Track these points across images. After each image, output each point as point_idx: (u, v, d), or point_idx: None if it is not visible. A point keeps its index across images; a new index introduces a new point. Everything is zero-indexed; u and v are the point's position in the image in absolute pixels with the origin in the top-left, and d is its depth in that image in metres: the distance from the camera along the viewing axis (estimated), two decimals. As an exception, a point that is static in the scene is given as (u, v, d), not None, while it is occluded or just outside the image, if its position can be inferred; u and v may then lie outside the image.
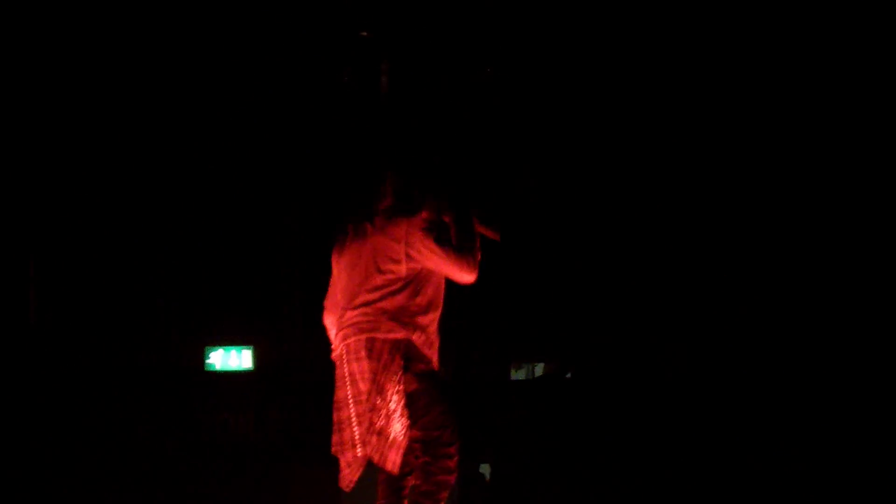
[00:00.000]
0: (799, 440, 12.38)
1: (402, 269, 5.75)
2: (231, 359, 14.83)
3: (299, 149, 14.76)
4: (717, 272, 13.84)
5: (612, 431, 13.09)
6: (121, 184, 14.70)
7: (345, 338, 5.80)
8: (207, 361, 14.77)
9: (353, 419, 5.72)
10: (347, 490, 5.79)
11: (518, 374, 15.22)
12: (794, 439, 12.43)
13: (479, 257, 5.89)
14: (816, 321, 13.26)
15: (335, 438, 5.79)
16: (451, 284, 5.97)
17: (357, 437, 5.71)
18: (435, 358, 5.86)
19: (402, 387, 5.66)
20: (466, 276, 5.82)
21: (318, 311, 6.26)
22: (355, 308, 5.81)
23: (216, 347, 14.77)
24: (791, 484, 12.18)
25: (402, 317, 5.75)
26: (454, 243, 5.78)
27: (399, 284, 5.77)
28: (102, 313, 14.73)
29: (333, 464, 5.87)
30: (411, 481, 5.76)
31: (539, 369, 15.21)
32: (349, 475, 5.75)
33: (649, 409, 13.17)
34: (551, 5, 13.54)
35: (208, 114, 14.62)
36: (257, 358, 14.89)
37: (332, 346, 5.88)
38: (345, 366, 5.79)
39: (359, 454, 5.70)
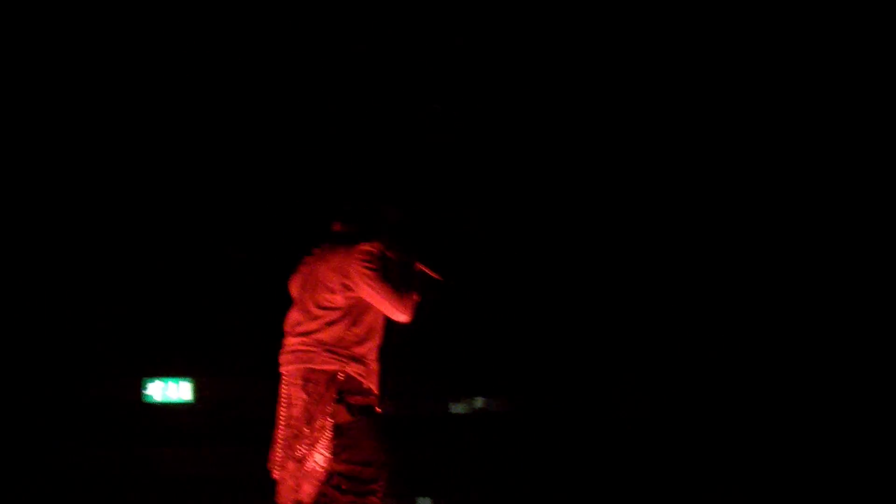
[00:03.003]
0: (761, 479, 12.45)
1: (339, 300, 5.76)
2: (170, 390, 14.74)
3: (242, 179, 14.74)
4: (666, 308, 13.89)
5: (554, 466, 13.11)
6: (57, 215, 14.61)
7: (285, 363, 5.83)
8: (145, 393, 14.67)
9: (280, 441, 5.75)
10: None
11: (458, 408, 15.22)
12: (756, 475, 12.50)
13: (418, 299, 5.85)
14: (779, 357, 13.33)
15: (270, 454, 5.82)
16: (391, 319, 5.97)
17: (279, 458, 5.74)
18: (375, 386, 5.86)
19: (330, 420, 5.67)
20: (401, 316, 5.79)
21: (260, 343, 6.26)
22: (297, 336, 5.84)
23: (154, 379, 14.68)
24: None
25: (338, 348, 5.76)
26: (395, 281, 5.76)
27: (337, 315, 5.77)
28: (40, 343, 14.61)
29: (271, 498, 5.85)
30: None
31: (479, 402, 15.22)
32: (284, 494, 5.75)
33: (592, 446, 13.20)
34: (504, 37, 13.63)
35: (147, 140, 14.58)
36: (197, 390, 14.81)
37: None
38: (284, 387, 5.82)
39: (275, 476, 5.73)
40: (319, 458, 5.66)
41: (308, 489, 5.67)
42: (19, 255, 14.50)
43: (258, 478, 6.10)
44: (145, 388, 14.76)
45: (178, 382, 14.80)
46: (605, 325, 14.04)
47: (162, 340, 15.04)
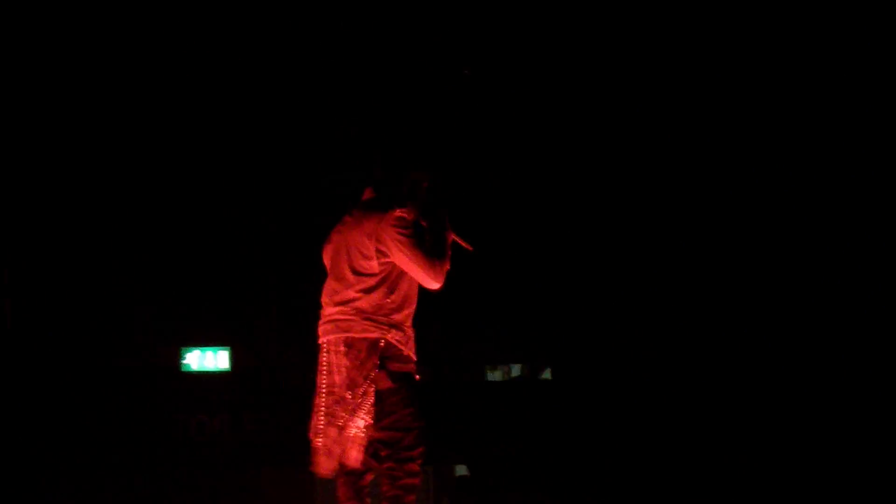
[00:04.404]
0: (780, 438, 12.41)
1: (375, 266, 5.76)
2: (207, 360, 14.77)
3: (277, 149, 14.74)
4: (693, 274, 13.82)
5: (590, 432, 13.09)
6: (96, 185, 14.64)
7: (325, 333, 5.83)
8: (183, 362, 14.70)
9: (322, 409, 5.75)
10: (320, 476, 5.78)
11: (494, 375, 15.21)
12: (775, 436, 12.46)
13: (449, 267, 5.84)
14: (793, 320, 13.26)
15: (310, 422, 5.82)
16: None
17: (321, 426, 5.74)
18: (413, 352, 5.87)
19: (372, 385, 5.67)
20: (432, 283, 5.79)
21: (296, 311, 6.27)
22: (335, 305, 5.83)
23: (192, 348, 14.71)
24: (774, 478, 12.21)
25: (377, 316, 5.76)
26: (428, 248, 5.75)
27: (374, 281, 5.77)
28: (78, 313, 14.67)
29: (307, 466, 5.85)
30: (369, 478, 5.80)
31: (516, 370, 15.21)
32: (323, 463, 5.74)
33: (628, 411, 13.17)
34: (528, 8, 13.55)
35: (187, 116, 14.58)
36: (234, 359, 14.83)
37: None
38: (324, 355, 5.83)
39: (318, 444, 5.73)
40: (361, 424, 5.68)
41: (355, 454, 5.70)
42: (56, 221, 14.55)
43: (296, 445, 6.10)
44: (183, 358, 14.78)
45: (215, 351, 14.83)
46: (640, 286, 13.98)
47: (199, 309, 15.07)
